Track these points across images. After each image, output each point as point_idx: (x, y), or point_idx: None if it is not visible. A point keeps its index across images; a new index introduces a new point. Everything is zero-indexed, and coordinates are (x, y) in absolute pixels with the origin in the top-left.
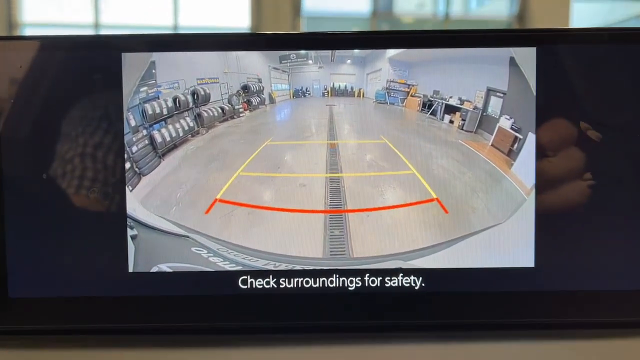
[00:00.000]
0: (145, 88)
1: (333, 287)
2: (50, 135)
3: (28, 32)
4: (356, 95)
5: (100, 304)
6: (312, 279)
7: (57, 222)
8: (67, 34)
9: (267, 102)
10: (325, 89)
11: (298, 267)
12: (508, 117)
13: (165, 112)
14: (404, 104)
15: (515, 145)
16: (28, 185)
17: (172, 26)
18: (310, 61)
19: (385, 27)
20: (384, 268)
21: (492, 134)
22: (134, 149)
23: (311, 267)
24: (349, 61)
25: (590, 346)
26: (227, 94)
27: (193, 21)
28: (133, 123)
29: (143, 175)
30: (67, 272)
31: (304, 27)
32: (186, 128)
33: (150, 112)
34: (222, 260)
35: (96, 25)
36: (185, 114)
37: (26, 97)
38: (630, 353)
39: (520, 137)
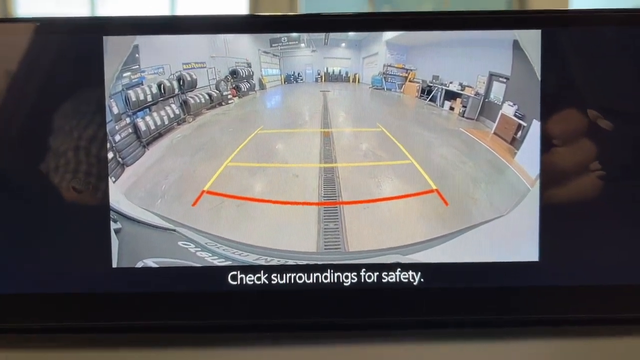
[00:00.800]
0: (128, 73)
1: (327, 282)
2: (27, 125)
3: None
4: (351, 80)
5: (82, 301)
6: (306, 275)
7: (36, 215)
8: (45, 16)
9: (257, 88)
10: (319, 74)
11: (291, 262)
12: (511, 103)
13: (149, 98)
14: (401, 90)
15: (519, 133)
16: (4, 177)
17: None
18: (302, 44)
19: (385, 7)
20: (381, 263)
21: (494, 122)
22: (117, 138)
23: (304, 262)
24: (343, 44)
25: (599, 344)
26: (215, 79)
27: (190, 12)
28: (116, 111)
29: (127, 166)
30: (48, 267)
31: (301, 7)
32: (172, 116)
33: (133, 99)
34: (210, 255)
35: None
36: (171, 100)
37: (5, 85)
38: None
39: (524, 124)
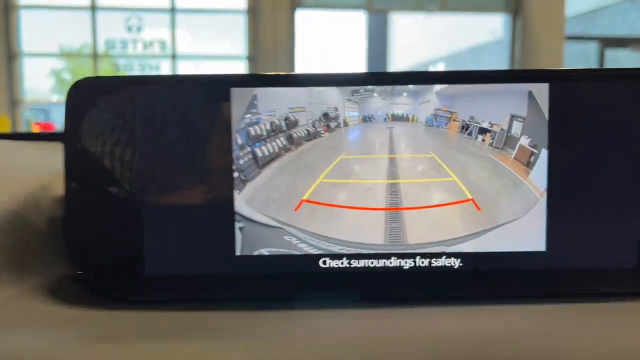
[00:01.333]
0: (249, 115)
1: (391, 266)
2: (180, 153)
3: (24, 14)
4: (410, 120)
5: (214, 280)
6: (376, 260)
7: (183, 219)
8: (183, 73)
9: (342, 125)
10: (387, 115)
11: (365, 252)
12: (526, 136)
13: (264, 133)
14: (447, 127)
15: (532, 158)
16: (165, 187)
17: (169, 8)
18: (375, 94)
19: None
20: (430, 252)
21: (514, 150)
22: (241, 162)
23: (375, 251)
24: (405, 94)
25: (587, 307)
26: (312, 119)
27: (190, 3)
28: (240, 142)
29: (248, 182)
30: (190, 255)
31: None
32: (280, 146)
33: (253, 133)
34: (307, 245)
35: (93, 8)
36: (280, 135)
37: (159, 125)
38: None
39: (536, 152)
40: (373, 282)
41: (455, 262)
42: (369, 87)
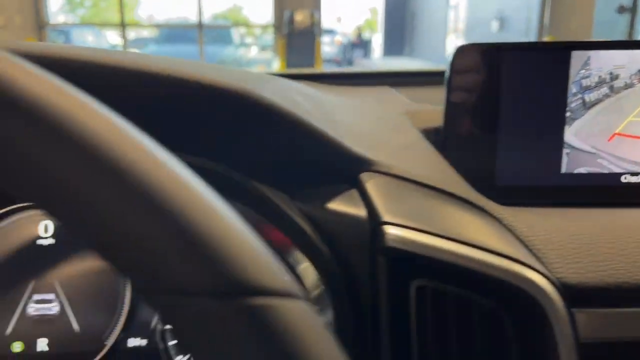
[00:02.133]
0: (583, 71)
1: None
2: (528, 98)
3: None
4: None
5: (544, 189)
6: None
7: (525, 145)
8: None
9: None
10: None
11: None
12: None
13: (592, 84)
14: None
15: None
16: (514, 123)
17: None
18: None
19: None
20: None
21: None
22: (572, 105)
23: None
24: None
25: None
26: (629, 74)
27: None
28: (574, 90)
29: (575, 120)
30: (528, 171)
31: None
32: (603, 93)
33: (584, 84)
34: (614, 166)
35: None
36: (604, 85)
37: (515, 76)
38: None
39: None
40: None
41: None
42: None
